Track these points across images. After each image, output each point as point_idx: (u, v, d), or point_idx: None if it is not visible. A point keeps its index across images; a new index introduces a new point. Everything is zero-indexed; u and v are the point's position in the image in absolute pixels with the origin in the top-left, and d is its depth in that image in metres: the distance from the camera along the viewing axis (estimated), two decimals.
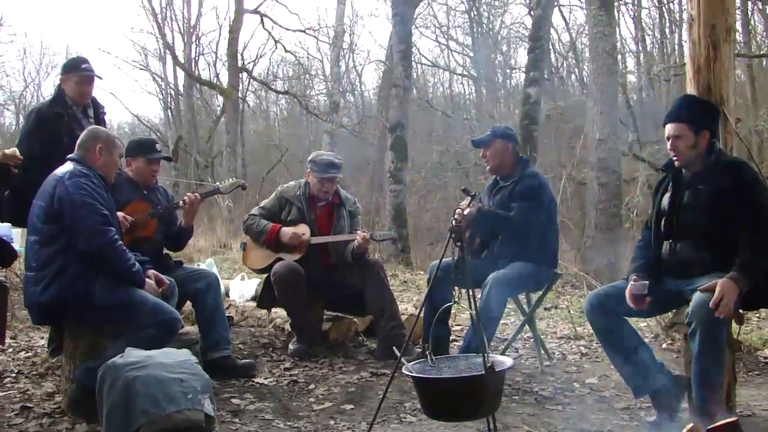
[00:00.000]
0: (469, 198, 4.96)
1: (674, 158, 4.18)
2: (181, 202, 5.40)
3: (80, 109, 5.44)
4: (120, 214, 4.88)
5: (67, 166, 4.33)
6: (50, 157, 5.03)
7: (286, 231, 5.78)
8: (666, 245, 4.20)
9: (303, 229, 5.81)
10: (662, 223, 4.24)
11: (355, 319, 6.19)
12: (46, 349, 5.41)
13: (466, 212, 4.77)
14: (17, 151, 4.95)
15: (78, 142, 4.51)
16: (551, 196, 5.60)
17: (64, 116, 5.28)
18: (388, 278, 6.17)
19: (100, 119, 5.55)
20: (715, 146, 4.13)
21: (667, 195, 4.25)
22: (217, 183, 5.86)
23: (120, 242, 4.26)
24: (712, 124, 4.15)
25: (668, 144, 4.18)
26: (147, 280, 4.41)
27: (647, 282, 4.06)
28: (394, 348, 3.86)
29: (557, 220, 5.67)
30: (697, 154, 4.09)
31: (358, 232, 5.78)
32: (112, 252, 4.18)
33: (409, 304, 7.59)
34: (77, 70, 5.38)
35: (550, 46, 20.74)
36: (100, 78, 5.48)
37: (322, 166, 5.86)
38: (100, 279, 4.17)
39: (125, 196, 5.18)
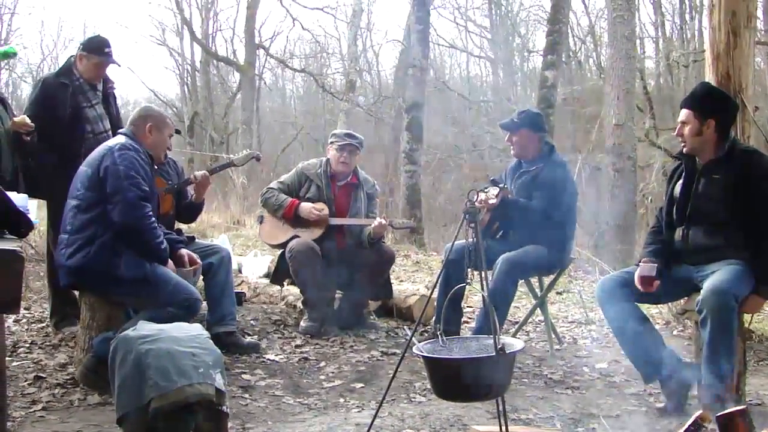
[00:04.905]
0: (498, 189, 4.97)
1: (681, 144, 4.19)
2: (192, 177, 5.41)
3: (88, 83, 5.44)
4: None
5: (119, 139, 4.43)
6: (52, 125, 5.07)
7: (306, 206, 5.79)
8: (679, 231, 4.20)
9: (320, 207, 5.83)
10: (674, 209, 4.24)
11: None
12: (50, 321, 5.47)
13: (491, 201, 4.82)
14: (26, 118, 4.97)
15: (130, 118, 4.59)
16: (574, 186, 5.57)
17: (69, 87, 5.27)
18: (402, 259, 6.18)
19: (107, 93, 5.55)
20: (729, 135, 4.10)
21: (680, 182, 4.25)
22: (231, 155, 5.86)
23: (153, 219, 4.35)
24: (721, 112, 4.09)
25: (677, 129, 4.20)
26: (177, 256, 4.53)
27: (656, 264, 4.08)
28: (405, 327, 3.87)
29: (576, 209, 5.63)
30: (702, 141, 4.09)
31: (377, 218, 5.79)
32: (145, 227, 4.27)
33: (421, 284, 7.60)
34: (100, 54, 5.34)
35: (569, 30, 20.56)
36: (119, 66, 5.47)
37: (341, 135, 5.98)
38: (128, 252, 4.26)
39: None
